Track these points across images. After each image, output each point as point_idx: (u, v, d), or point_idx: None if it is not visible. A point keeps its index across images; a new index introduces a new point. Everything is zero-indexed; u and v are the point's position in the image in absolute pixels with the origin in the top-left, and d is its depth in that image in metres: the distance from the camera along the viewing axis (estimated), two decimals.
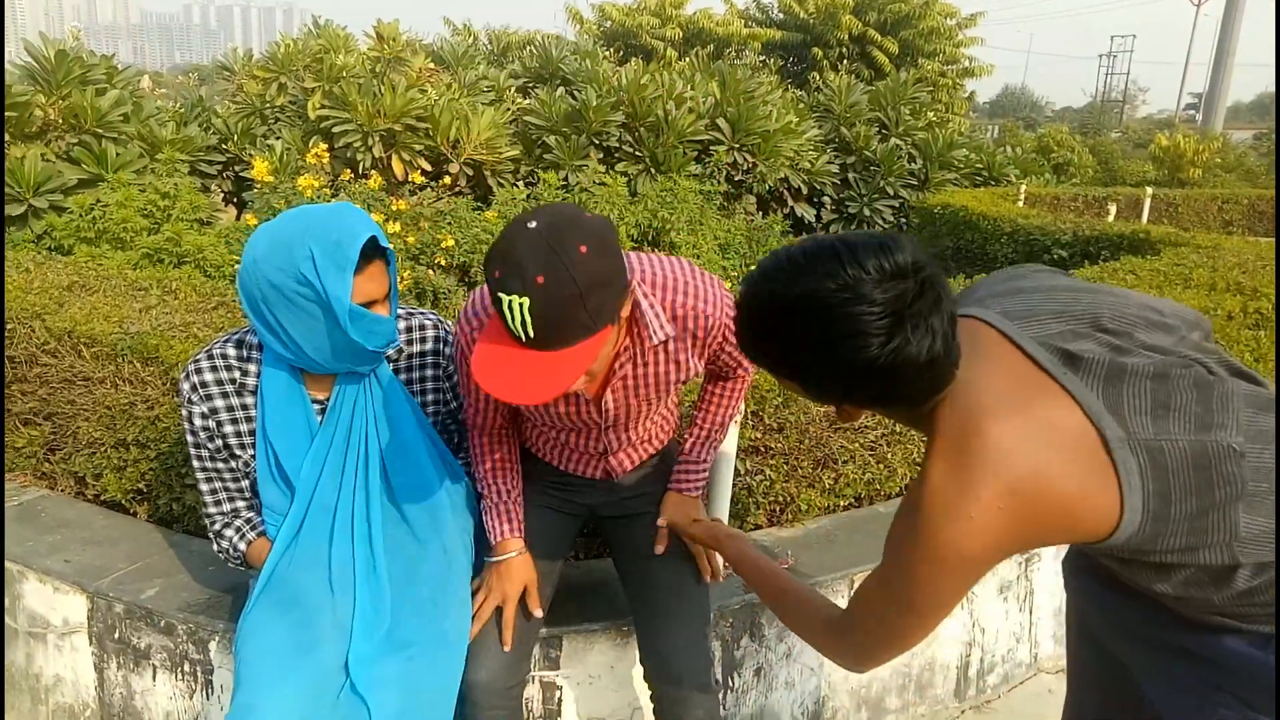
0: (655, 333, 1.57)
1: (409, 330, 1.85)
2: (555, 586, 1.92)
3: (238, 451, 1.78)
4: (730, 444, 2.17)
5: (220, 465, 1.81)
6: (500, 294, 1.31)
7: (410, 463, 1.81)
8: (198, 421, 1.75)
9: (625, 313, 1.47)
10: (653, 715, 1.81)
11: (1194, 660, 1.24)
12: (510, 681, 1.72)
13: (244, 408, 1.76)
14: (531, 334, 1.32)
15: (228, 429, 1.77)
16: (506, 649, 1.74)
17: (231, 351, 1.76)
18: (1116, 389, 1.11)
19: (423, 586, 1.78)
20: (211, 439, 1.77)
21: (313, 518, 1.76)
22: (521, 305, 1.30)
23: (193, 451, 1.80)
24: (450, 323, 1.90)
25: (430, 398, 1.88)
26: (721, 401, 1.92)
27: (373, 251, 1.61)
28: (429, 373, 1.87)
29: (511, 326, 1.33)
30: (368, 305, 1.62)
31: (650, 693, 1.80)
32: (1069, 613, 1.59)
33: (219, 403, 1.75)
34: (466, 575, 1.82)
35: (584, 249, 1.29)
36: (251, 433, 1.77)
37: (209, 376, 1.75)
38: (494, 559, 1.80)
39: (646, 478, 1.96)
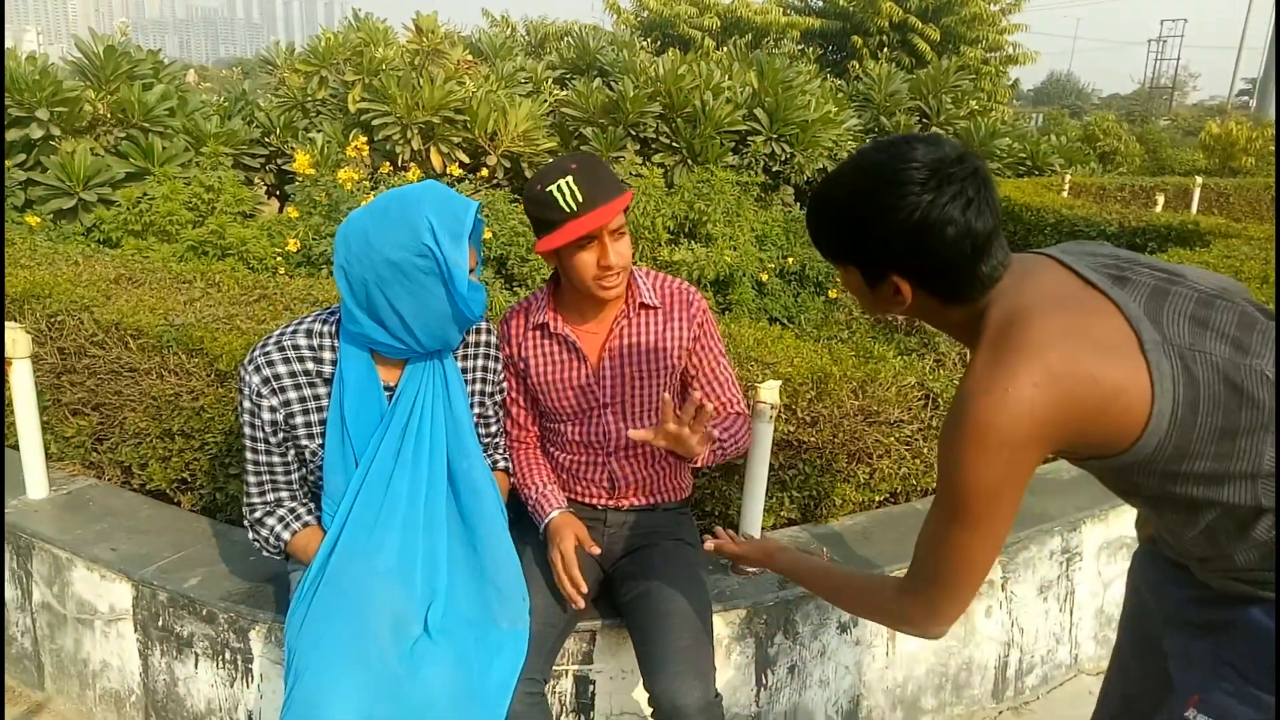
0: (644, 294, 1.92)
1: None
2: (569, 630, 1.95)
3: (304, 442, 1.78)
4: (764, 438, 2.16)
5: (275, 459, 1.81)
6: (548, 190, 1.73)
7: (464, 447, 1.84)
8: (265, 415, 1.75)
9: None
10: None
11: (1211, 632, 1.27)
12: (528, 674, 1.73)
13: (316, 398, 1.77)
14: (580, 197, 1.72)
15: (298, 419, 1.77)
16: (579, 606, 1.82)
17: (303, 342, 1.77)
18: (1158, 303, 1.17)
19: (476, 574, 1.80)
20: (276, 432, 1.77)
21: (365, 497, 1.76)
22: (566, 181, 1.72)
23: (248, 444, 1.79)
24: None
25: (478, 386, 1.94)
26: (725, 421, 1.99)
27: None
28: (479, 362, 1.94)
29: (564, 203, 1.72)
30: None
31: (650, 710, 1.77)
32: (1124, 609, 1.61)
33: (292, 394, 1.76)
34: (511, 563, 1.84)
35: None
36: (322, 422, 1.78)
37: (282, 369, 1.75)
38: (542, 534, 1.92)
39: (652, 521, 2.04)
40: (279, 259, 4.97)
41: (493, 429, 2.01)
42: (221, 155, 6.63)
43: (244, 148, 7.59)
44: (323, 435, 1.78)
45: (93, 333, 2.61)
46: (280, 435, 1.78)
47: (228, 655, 2.10)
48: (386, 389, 1.80)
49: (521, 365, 1.97)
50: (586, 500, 2.04)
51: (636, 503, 2.04)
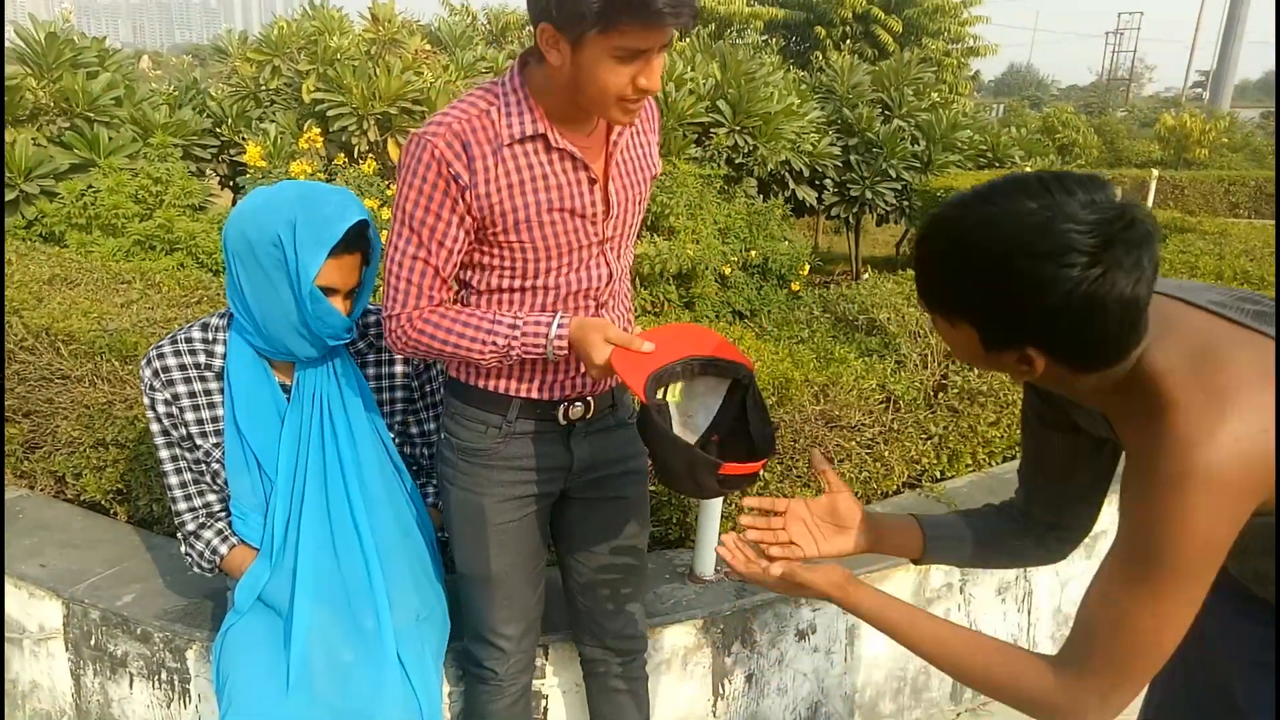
0: None
1: (378, 324, 1.81)
2: (543, 585, 1.81)
3: (199, 441, 1.74)
4: None
5: (188, 455, 1.76)
6: None
7: (365, 455, 1.74)
8: (160, 409, 1.73)
9: None
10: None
11: None
12: (523, 629, 1.75)
13: (207, 393, 1.73)
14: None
15: (189, 415, 1.73)
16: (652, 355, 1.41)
17: (197, 335, 1.74)
18: None
19: (398, 584, 1.74)
20: (175, 427, 1.73)
21: (279, 512, 1.70)
22: None
23: (159, 440, 1.76)
24: None
25: (397, 394, 1.85)
26: None
27: (356, 242, 1.61)
28: (398, 369, 1.84)
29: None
30: (327, 293, 1.60)
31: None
32: (1177, 659, 1.50)
33: (181, 389, 1.72)
34: (430, 567, 1.82)
35: None
36: (215, 419, 1.73)
37: (171, 361, 1.71)
38: (560, 343, 1.46)
39: (615, 442, 1.73)
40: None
41: (415, 446, 1.91)
42: (170, 146, 6.42)
43: (194, 138, 7.37)
44: (217, 434, 1.74)
45: (22, 337, 2.49)
46: (181, 431, 1.74)
47: (164, 675, 2.01)
48: (284, 388, 1.74)
49: (486, 198, 1.42)
50: (552, 397, 1.59)
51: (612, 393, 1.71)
